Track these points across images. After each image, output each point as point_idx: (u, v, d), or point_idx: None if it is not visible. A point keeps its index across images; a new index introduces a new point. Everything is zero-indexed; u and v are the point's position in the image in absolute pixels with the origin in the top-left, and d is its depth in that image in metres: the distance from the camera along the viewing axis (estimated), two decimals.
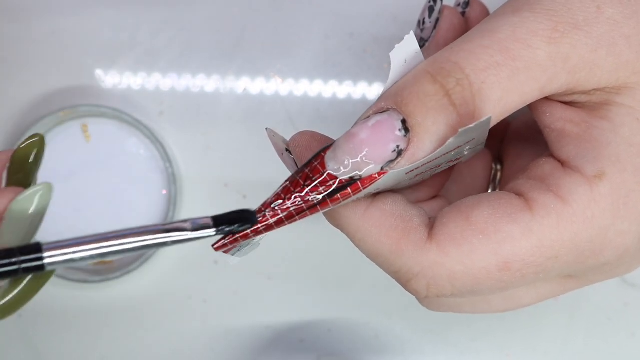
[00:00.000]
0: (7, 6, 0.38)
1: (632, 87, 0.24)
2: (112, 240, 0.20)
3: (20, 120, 0.38)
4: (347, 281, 0.39)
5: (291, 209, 0.23)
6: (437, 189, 0.30)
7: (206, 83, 0.39)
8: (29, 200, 0.21)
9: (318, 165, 0.22)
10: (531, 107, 0.25)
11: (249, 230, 0.23)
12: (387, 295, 0.39)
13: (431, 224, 0.24)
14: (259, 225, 0.23)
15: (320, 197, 0.22)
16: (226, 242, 0.23)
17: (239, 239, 0.23)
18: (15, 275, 0.19)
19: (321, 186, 0.22)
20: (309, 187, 0.22)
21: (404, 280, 0.25)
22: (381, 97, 0.23)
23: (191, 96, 0.39)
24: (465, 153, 0.25)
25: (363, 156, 0.22)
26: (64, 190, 0.39)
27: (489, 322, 0.40)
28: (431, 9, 0.29)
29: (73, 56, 0.39)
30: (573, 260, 0.24)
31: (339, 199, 0.22)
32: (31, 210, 0.21)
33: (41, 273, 0.19)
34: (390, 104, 0.22)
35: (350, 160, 0.22)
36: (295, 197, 0.23)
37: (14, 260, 0.19)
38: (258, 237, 0.24)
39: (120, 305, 0.39)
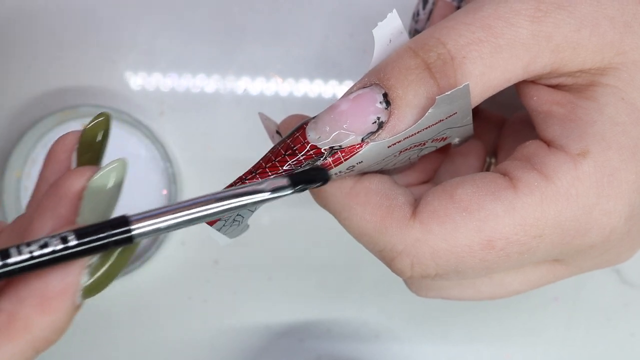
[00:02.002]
0: (7, 6, 0.38)
1: (617, 67, 0.24)
2: (195, 207, 0.21)
3: (20, 120, 0.38)
4: (347, 281, 0.39)
5: (269, 174, 0.23)
6: (428, 175, 0.30)
7: (206, 83, 0.39)
8: (106, 176, 0.21)
9: (299, 136, 0.23)
10: (519, 92, 0.25)
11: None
12: (387, 295, 0.39)
13: (416, 204, 0.24)
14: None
15: (298, 163, 0.23)
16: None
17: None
18: (106, 249, 0.20)
19: (301, 155, 0.22)
20: (289, 156, 0.23)
21: (388, 259, 0.25)
22: (365, 75, 0.23)
23: (191, 96, 0.39)
24: (449, 134, 0.25)
25: (344, 127, 0.22)
26: None
27: (488, 322, 0.40)
28: (425, 1, 0.29)
29: (73, 56, 0.39)
30: (558, 240, 0.24)
31: None
32: (109, 185, 0.21)
33: (129, 245, 0.20)
34: (373, 79, 0.23)
35: (331, 131, 0.22)
36: (275, 166, 0.23)
37: (104, 234, 0.19)
38: (248, 219, 0.24)
39: (120, 305, 0.39)
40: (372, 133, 0.22)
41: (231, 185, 0.23)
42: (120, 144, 0.38)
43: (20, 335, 0.19)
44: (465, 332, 0.40)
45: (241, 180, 0.23)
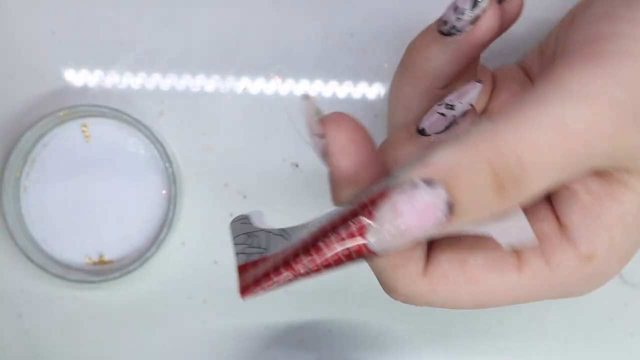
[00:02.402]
0: (7, 5, 0.38)
1: None
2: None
3: (20, 120, 0.38)
4: (347, 281, 0.39)
5: (321, 270, 0.22)
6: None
7: (206, 83, 0.39)
8: None
9: (356, 231, 0.22)
10: None
11: (278, 285, 0.22)
12: (389, 297, 0.39)
13: (429, 258, 0.26)
14: (289, 281, 0.23)
15: (349, 259, 0.22)
16: (257, 291, 0.23)
17: (267, 290, 0.23)
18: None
19: (354, 252, 0.22)
20: (343, 252, 0.22)
21: (386, 289, 0.26)
22: (432, 163, 0.22)
23: (191, 96, 0.39)
24: None
25: (405, 236, 0.22)
26: (64, 190, 0.39)
27: (488, 322, 0.40)
28: (475, 2, 0.27)
29: (73, 56, 0.39)
30: (530, 299, 0.27)
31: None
32: None
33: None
34: (441, 179, 0.21)
35: (391, 240, 0.22)
36: (327, 259, 0.22)
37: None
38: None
39: (120, 305, 0.39)
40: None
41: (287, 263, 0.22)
42: (120, 144, 0.38)
43: None
44: (465, 331, 0.40)
45: (292, 270, 0.22)
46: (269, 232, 0.25)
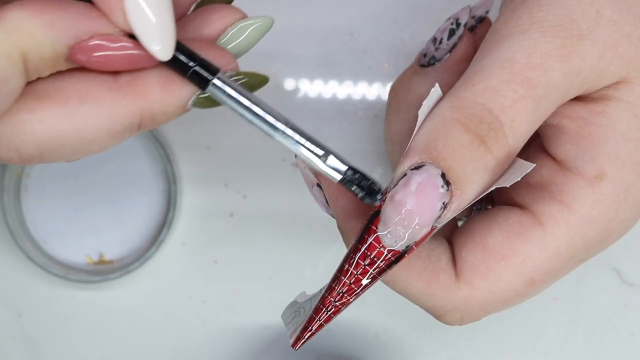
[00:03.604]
0: None
1: (631, 81, 0.24)
2: (270, 115, 0.22)
3: None
4: None
5: (356, 290, 0.23)
6: None
7: None
8: (249, 25, 0.24)
9: (374, 242, 0.22)
10: None
11: (322, 322, 0.24)
12: (387, 295, 0.39)
13: (455, 262, 0.25)
14: (332, 313, 0.24)
15: (381, 271, 0.23)
16: (306, 336, 0.24)
17: (315, 331, 0.24)
18: (185, 74, 0.21)
19: (380, 261, 0.23)
20: (369, 265, 0.23)
21: (437, 315, 0.26)
22: (413, 148, 0.23)
23: None
24: None
25: (415, 224, 0.22)
26: (64, 190, 0.39)
27: (488, 322, 0.40)
28: (452, 32, 0.29)
29: None
30: (584, 253, 0.25)
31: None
32: (246, 35, 0.23)
33: (202, 92, 0.22)
34: (425, 158, 0.22)
35: (405, 233, 0.22)
36: (357, 277, 0.23)
37: (191, 64, 0.21)
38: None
39: (120, 305, 0.39)
40: (439, 217, 0.22)
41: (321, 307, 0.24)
42: (120, 144, 0.38)
43: (136, 97, 0.21)
44: (465, 331, 0.40)
45: (330, 303, 0.24)
46: (312, 297, 0.26)
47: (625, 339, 0.40)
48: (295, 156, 0.24)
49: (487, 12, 0.30)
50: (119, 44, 0.21)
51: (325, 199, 0.25)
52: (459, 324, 0.26)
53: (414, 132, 0.23)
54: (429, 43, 0.30)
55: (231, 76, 0.22)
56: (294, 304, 0.27)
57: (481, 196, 0.23)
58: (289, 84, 0.39)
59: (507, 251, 0.24)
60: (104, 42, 0.20)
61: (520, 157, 0.24)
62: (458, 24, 0.29)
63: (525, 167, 0.22)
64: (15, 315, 0.39)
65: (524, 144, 0.23)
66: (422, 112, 0.23)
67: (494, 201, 0.29)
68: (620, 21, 0.23)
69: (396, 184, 0.22)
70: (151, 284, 0.39)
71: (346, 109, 0.39)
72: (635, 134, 0.24)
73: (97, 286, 0.39)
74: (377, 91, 0.39)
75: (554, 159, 0.25)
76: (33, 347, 0.40)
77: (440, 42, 0.29)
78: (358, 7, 0.38)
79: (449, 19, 0.30)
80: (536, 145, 0.26)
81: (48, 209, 0.39)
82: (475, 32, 0.30)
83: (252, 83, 0.23)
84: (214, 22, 0.23)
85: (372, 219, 0.22)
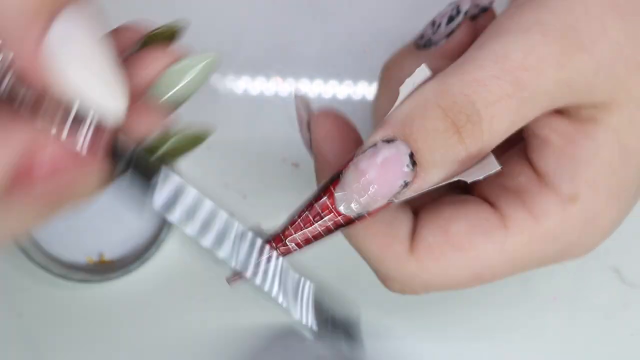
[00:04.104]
0: None
1: (620, 104, 0.24)
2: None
3: None
4: (347, 281, 0.39)
5: (301, 244, 0.24)
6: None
7: (206, 83, 0.39)
8: (188, 67, 0.20)
9: (328, 202, 0.23)
10: None
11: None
12: (387, 295, 0.39)
13: (414, 231, 0.25)
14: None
15: (328, 231, 0.23)
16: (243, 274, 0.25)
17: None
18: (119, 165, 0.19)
19: (330, 222, 0.23)
20: (319, 224, 0.23)
21: (380, 278, 0.26)
22: (388, 122, 0.22)
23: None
24: None
25: (372, 194, 0.22)
26: None
27: (488, 321, 0.40)
28: (451, 18, 0.29)
29: None
30: (535, 266, 0.26)
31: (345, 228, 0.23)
32: (187, 80, 0.20)
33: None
34: (398, 134, 0.22)
35: (360, 199, 0.22)
36: (304, 233, 0.24)
37: (128, 155, 0.19)
38: None
39: (120, 305, 0.39)
40: (398, 193, 0.22)
41: None
42: None
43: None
44: (465, 331, 0.40)
45: (273, 248, 0.24)
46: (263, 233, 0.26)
47: (625, 339, 0.40)
48: (295, 95, 0.24)
49: (491, 3, 0.30)
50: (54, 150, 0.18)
51: (310, 141, 0.25)
52: (398, 293, 0.26)
53: (394, 106, 0.23)
54: (427, 25, 0.30)
55: (152, 146, 0.19)
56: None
57: (442, 184, 0.23)
58: (289, 84, 0.39)
59: (466, 244, 0.25)
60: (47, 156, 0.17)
61: (502, 157, 0.24)
62: (458, 11, 0.29)
63: (491, 167, 0.22)
64: (15, 315, 0.39)
65: (499, 142, 0.23)
66: (404, 89, 0.23)
67: (469, 186, 0.29)
68: (623, 42, 0.23)
69: (364, 152, 0.22)
70: (151, 284, 0.39)
71: (346, 109, 0.39)
72: (615, 161, 0.24)
73: (97, 286, 0.39)
74: None
75: (534, 168, 0.25)
76: (33, 347, 0.40)
77: (439, 26, 0.29)
78: (358, 7, 0.38)
79: (450, 4, 0.29)
80: (519, 149, 0.26)
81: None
82: (476, 21, 0.30)
83: (183, 146, 0.22)
84: (144, 68, 0.21)
85: (333, 180, 0.23)
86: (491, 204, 0.25)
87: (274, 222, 0.39)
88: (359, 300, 0.40)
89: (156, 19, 0.39)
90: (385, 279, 0.26)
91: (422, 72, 0.23)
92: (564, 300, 0.39)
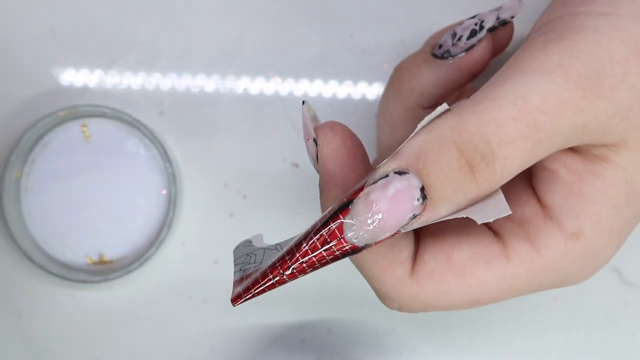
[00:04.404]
0: (7, 5, 0.38)
1: (630, 145, 0.24)
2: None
3: (19, 120, 0.38)
4: (347, 281, 0.39)
5: (307, 270, 0.24)
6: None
7: (206, 83, 0.39)
8: None
9: (336, 230, 0.22)
10: None
11: (265, 289, 0.24)
12: (383, 304, 0.39)
13: (415, 258, 0.25)
14: (276, 283, 0.24)
15: (334, 259, 0.23)
16: (246, 297, 0.24)
17: (257, 294, 0.24)
18: None
19: (337, 249, 0.23)
20: (325, 251, 0.23)
21: (379, 296, 0.27)
22: (402, 153, 0.22)
23: (191, 96, 0.39)
24: None
25: (381, 225, 0.22)
26: (63, 190, 0.39)
27: (488, 322, 0.40)
28: (473, 32, 0.29)
29: (73, 56, 0.39)
30: (531, 293, 0.26)
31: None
32: None
33: None
34: (412, 166, 0.22)
35: (368, 231, 0.22)
36: (310, 258, 0.23)
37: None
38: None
39: (120, 305, 0.39)
40: (405, 225, 0.22)
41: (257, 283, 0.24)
42: (120, 144, 0.38)
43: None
44: (465, 331, 0.40)
45: (279, 274, 0.24)
46: (266, 248, 0.26)
47: (625, 339, 0.40)
48: (303, 103, 0.24)
49: (512, 17, 0.30)
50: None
51: (317, 155, 0.25)
52: (396, 310, 0.27)
53: (409, 136, 0.23)
54: (447, 35, 0.29)
55: None
56: (248, 244, 0.27)
57: (449, 217, 0.23)
58: (289, 84, 0.39)
59: (467, 271, 0.25)
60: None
61: (507, 186, 0.23)
62: (482, 27, 0.29)
63: (502, 211, 0.22)
64: (15, 315, 0.39)
65: (509, 179, 0.23)
66: (421, 125, 0.23)
67: None
68: (639, 87, 0.23)
69: (376, 182, 0.22)
70: (151, 284, 0.39)
71: (346, 109, 0.39)
72: (621, 201, 0.24)
73: (97, 286, 0.39)
74: (377, 91, 0.39)
75: (539, 199, 0.25)
76: (33, 347, 0.40)
77: (460, 39, 0.29)
78: (358, 7, 0.38)
79: (474, 16, 0.29)
80: (525, 179, 0.26)
81: (48, 209, 0.39)
82: (495, 33, 0.30)
83: None
84: None
85: (342, 208, 0.22)
86: (494, 231, 0.26)
87: (274, 222, 0.39)
88: (359, 302, 0.40)
89: (156, 19, 0.39)
90: (384, 299, 0.26)
91: (441, 110, 0.23)
92: (565, 300, 0.39)
